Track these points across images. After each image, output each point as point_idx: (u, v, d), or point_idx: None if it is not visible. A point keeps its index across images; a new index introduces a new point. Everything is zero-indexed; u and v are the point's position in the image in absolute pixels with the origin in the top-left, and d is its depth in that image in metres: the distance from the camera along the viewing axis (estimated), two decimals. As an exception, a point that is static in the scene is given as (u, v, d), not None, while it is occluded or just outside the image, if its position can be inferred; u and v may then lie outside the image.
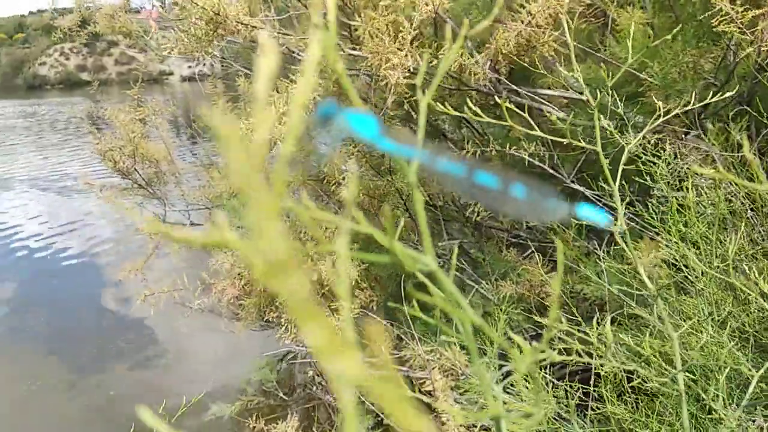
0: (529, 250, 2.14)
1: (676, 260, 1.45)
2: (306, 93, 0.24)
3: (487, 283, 2.12)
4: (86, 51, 52.16)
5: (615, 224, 0.98)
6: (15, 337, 4.81)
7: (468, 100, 1.03)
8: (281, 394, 3.05)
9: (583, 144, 0.98)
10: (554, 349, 0.89)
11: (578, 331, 0.99)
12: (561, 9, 1.87)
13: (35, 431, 3.59)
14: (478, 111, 0.96)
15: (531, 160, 2.02)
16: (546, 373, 1.49)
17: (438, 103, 1.03)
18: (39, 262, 6.41)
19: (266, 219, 0.16)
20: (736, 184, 1.51)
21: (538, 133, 0.98)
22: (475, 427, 1.37)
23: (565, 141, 0.94)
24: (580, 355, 0.91)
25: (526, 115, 1.04)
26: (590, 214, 0.46)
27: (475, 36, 2.17)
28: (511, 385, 1.55)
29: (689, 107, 0.93)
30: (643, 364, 1.06)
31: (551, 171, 2.02)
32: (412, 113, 2.28)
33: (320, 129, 0.41)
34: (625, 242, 0.99)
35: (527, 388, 1.42)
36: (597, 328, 1.08)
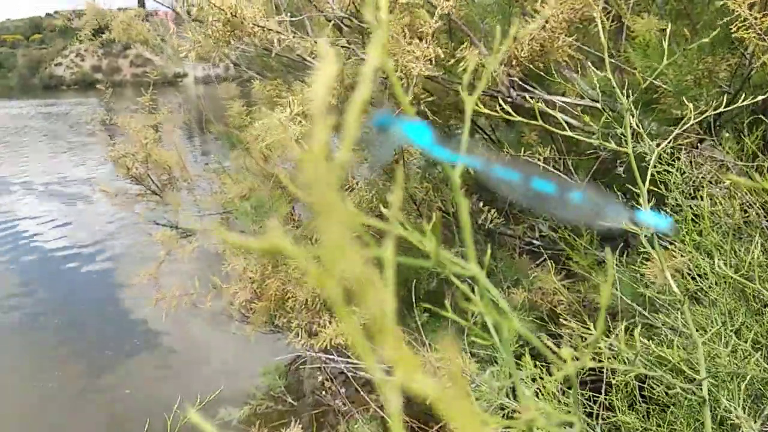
0: (542, 258, 2.13)
1: (690, 270, 1.44)
2: (363, 101, 0.24)
3: (499, 291, 2.11)
4: (102, 52, 52.56)
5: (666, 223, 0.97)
6: (32, 337, 4.85)
7: (482, 104, 1.02)
8: (290, 400, 3.05)
9: (613, 146, 0.97)
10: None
11: (599, 342, 0.99)
12: (576, 14, 1.86)
13: (52, 429, 3.62)
14: (510, 110, 0.95)
15: (545, 165, 2.01)
16: (562, 385, 1.48)
17: (483, 107, 1.03)
18: (55, 265, 6.46)
19: (344, 241, 0.17)
20: (752, 193, 1.49)
21: (555, 131, 0.97)
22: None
23: (589, 141, 0.93)
24: (600, 361, 0.90)
25: (539, 119, 1.04)
26: (650, 219, 0.45)
27: (489, 40, 2.17)
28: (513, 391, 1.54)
29: (705, 115, 0.92)
30: (664, 371, 1.04)
31: (564, 177, 2.01)
32: (428, 114, 2.28)
33: (377, 137, 0.41)
34: (652, 246, 0.98)
35: (538, 398, 1.41)
36: (615, 335, 1.08)
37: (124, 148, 3.31)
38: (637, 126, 1.65)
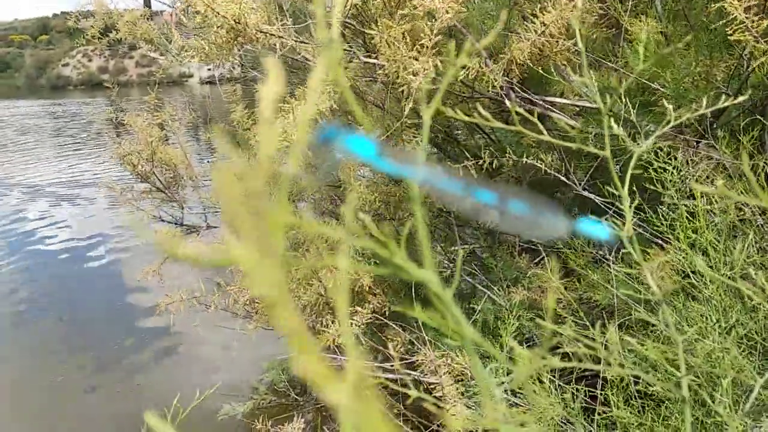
0: (541, 256, 2.16)
1: (684, 267, 1.47)
2: (309, 114, 0.26)
3: (499, 289, 2.14)
4: (108, 53, 52.73)
5: (620, 233, 1.00)
6: (39, 332, 4.91)
7: (480, 107, 1.05)
8: (293, 395, 3.08)
9: (593, 150, 1.00)
10: (559, 354, 0.92)
11: (585, 336, 1.02)
12: (574, 19, 1.89)
13: (60, 423, 3.67)
14: (488, 116, 0.98)
15: (544, 167, 2.04)
16: (553, 376, 1.51)
17: (449, 109, 1.05)
18: (62, 263, 6.51)
19: (261, 261, 0.18)
20: (744, 193, 1.52)
21: (549, 138, 1.00)
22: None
23: (575, 147, 0.96)
24: (581, 360, 0.93)
25: (537, 122, 1.07)
26: (591, 229, 0.46)
27: (488, 45, 2.19)
28: (520, 389, 1.57)
29: (700, 111, 0.94)
30: (648, 368, 1.07)
31: (563, 178, 2.04)
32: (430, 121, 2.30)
33: (321, 150, 0.43)
34: (633, 247, 1.01)
35: (535, 392, 1.44)
36: (602, 333, 1.11)
37: (130, 146, 3.34)
38: (634, 126, 1.68)
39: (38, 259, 6.70)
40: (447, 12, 1.86)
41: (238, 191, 0.19)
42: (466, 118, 1.06)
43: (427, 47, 1.81)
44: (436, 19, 1.84)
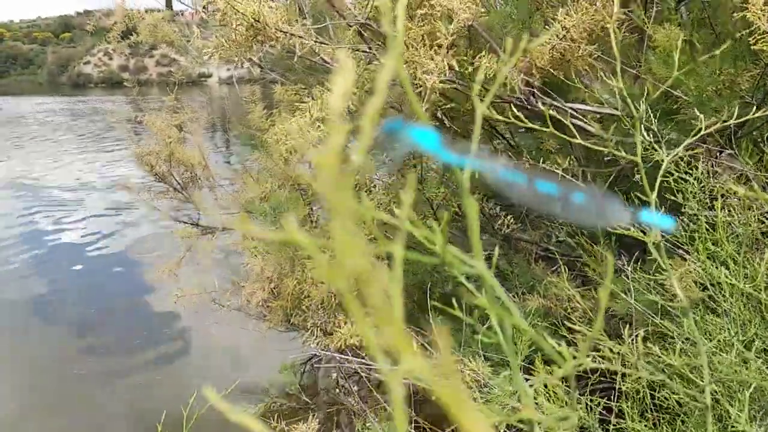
0: (558, 264, 2.13)
1: (704, 279, 1.44)
2: (377, 108, 0.26)
3: (514, 296, 2.12)
4: (129, 52, 53.18)
5: (647, 239, 0.98)
6: (64, 327, 4.97)
7: (500, 111, 1.03)
8: (304, 397, 3.07)
9: (623, 155, 0.98)
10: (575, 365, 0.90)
11: (605, 346, 1.00)
12: (597, 24, 1.87)
13: (78, 414, 3.71)
14: (521, 116, 0.97)
15: (562, 173, 2.02)
16: (568, 387, 1.49)
17: (489, 110, 1.04)
18: (83, 260, 6.55)
19: (351, 237, 0.18)
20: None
21: (579, 141, 0.98)
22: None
23: (603, 150, 0.94)
24: (610, 362, 0.91)
25: (556, 128, 1.05)
26: (654, 219, 0.45)
27: (510, 49, 2.17)
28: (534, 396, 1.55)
29: (726, 123, 0.92)
30: (670, 376, 1.05)
31: (570, 179, 2.01)
32: (445, 121, 2.29)
33: (387, 143, 0.43)
34: (660, 252, 0.99)
35: (549, 400, 1.42)
36: (619, 343, 1.09)
37: (149, 146, 3.36)
38: (656, 135, 1.65)
39: (59, 256, 6.76)
40: (464, 11, 1.85)
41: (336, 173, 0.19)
42: (501, 118, 1.05)
43: (443, 47, 1.79)
44: (452, 20, 1.82)
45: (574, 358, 0.73)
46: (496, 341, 0.59)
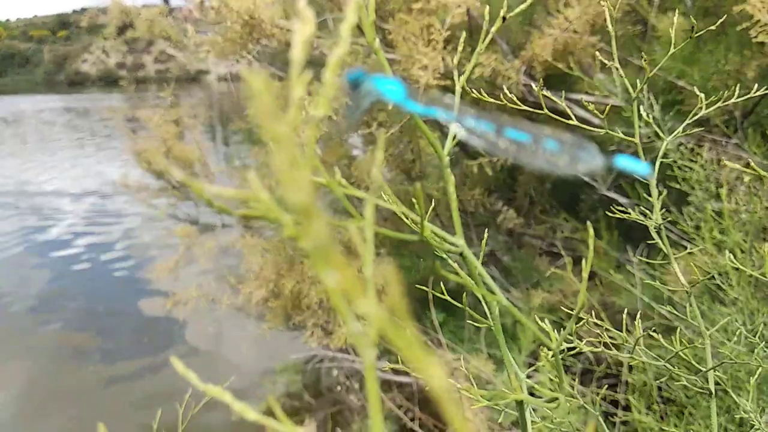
0: (562, 259, 2.11)
1: (710, 269, 1.42)
2: (340, 57, 0.26)
3: (519, 292, 2.09)
4: (126, 49, 53.08)
5: (649, 223, 0.97)
6: (67, 327, 4.96)
7: (506, 90, 1.00)
8: (306, 397, 3.05)
9: (621, 136, 0.95)
10: (580, 358, 0.88)
11: (606, 330, 0.97)
12: (600, 15, 1.84)
13: (78, 414, 3.70)
14: (515, 99, 0.94)
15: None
16: (573, 379, 1.47)
17: (474, 92, 1.01)
18: (82, 262, 6.53)
19: (293, 166, 0.17)
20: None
21: (576, 123, 0.95)
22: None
23: (603, 131, 0.91)
24: (608, 348, 0.89)
25: (573, 118, 1.02)
26: (629, 165, 0.43)
27: (511, 40, 2.15)
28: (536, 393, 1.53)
29: (716, 106, 0.90)
30: (673, 363, 1.03)
31: (587, 179, 1.99)
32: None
33: (350, 92, 0.42)
34: (661, 237, 0.96)
35: (551, 389, 1.40)
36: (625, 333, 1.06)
37: (146, 143, 3.33)
38: (659, 125, 1.63)
39: (60, 257, 6.73)
40: (459, 6, 1.82)
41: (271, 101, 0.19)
42: (491, 100, 1.02)
43: (438, 42, 1.76)
44: (448, 15, 1.79)
45: (569, 340, 0.71)
46: (487, 325, 0.57)
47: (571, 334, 0.73)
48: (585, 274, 0.46)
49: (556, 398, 0.53)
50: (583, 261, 0.46)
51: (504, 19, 0.50)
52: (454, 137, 0.46)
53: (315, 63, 2.63)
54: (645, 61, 0.79)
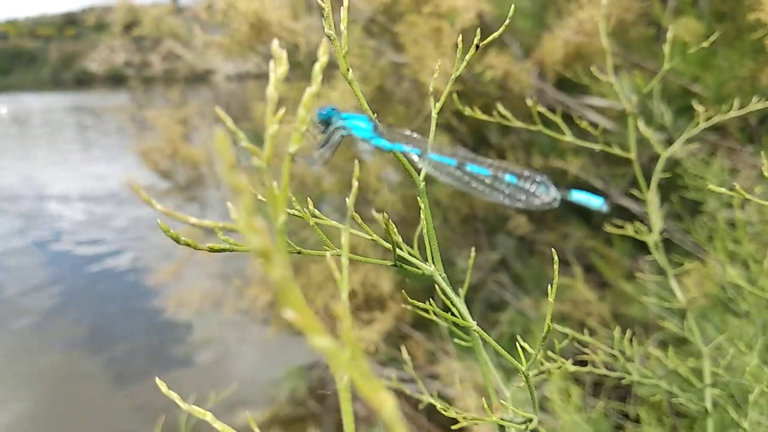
0: (574, 268, 2.07)
1: (722, 280, 1.39)
2: (310, 97, 0.28)
3: (530, 300, 2.06)
4: (134, 48, 53.09)
5: (647, 238, 0.96)
6: (74, 333, 4.96)
7: (513, 108, 0.98)
8: (311, 403, 3.02)
9: (618, 152, 0.93)
10: (589, 369, 0.86)
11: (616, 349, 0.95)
12: (612, 17, 1.81)
13: (83, 415, 3.71)
14: (508, 115, 0.92)
15: (576, 173, 1.96)
16: (582, 391, 1.45)
17: (475, 110, 0.99)
18: (89, 265, 6.51)
19: (249, 214, 0.19)
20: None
21: (569, 138, 0.92)
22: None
23: (598, 148, 0.89)
24: (601, 367, 0.87)
25: (558, 120, 0.99)
26: (584, 199, 0.46)
27: (523, 42, 2.12)
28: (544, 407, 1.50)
29: (742, 112, 0.87)
30: (674, 380, 1.00)
31: (592, 184, 1.96)
32: (453, 120, 2.23)
33: (320, 129, 0.45)
34: (659, 252, 0.94)
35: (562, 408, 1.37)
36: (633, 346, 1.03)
37: (153, 143, 3.31)
38: (669, 132, 1.59)
39: (66, 259, 6.72)
40: (468, 12, 1.79)
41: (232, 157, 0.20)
42: (484, 117, 0.99)
43: (447, 46, 1.74)
44: (457, 18, 1.77)
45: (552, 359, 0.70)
46: (468, 344, 0.58)
47: (553, 351, 0.70)
48: (551, 299, 0.49)
49: (530, 419, 0.53)
50: (549, 286, 0.48)
51: (477, 47, 0.52)
52: (422, 168, 0.48)
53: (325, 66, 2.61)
54: (651, 68, 0.76)
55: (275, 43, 0.26)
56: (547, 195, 0.43)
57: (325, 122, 0.45)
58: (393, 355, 2.08)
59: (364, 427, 2.26)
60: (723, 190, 0.65)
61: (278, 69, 0.26)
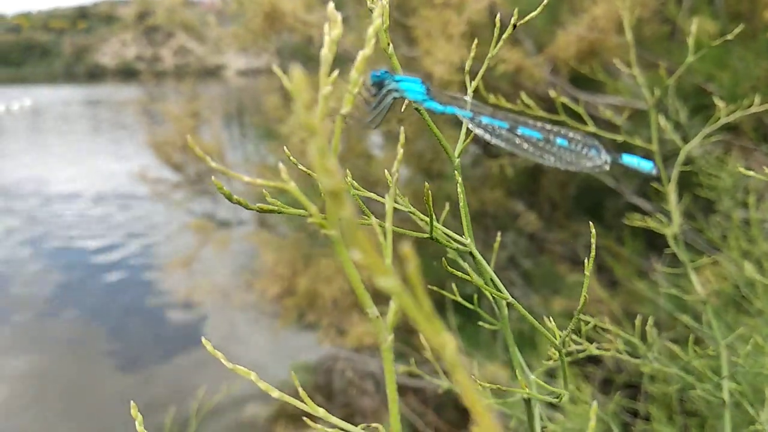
0: (583, 265, 2.06)
1: (736, 279, 1.38)
2: (363, 59, 0.28)
3: (539, 298, 2.05)
4: (145, 42, 53.36)
5: (666, 231, 0.95)
6: (76, 324, 4.97)
7: (524, 94, 0.97)
8: (318, 398, 3.02)
9: (639, 143, 0.92)
10: (600, 366, 0.86)
11: (621, 337, 0.94)
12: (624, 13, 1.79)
13: (91, 407, 3.72)
14: (532, 104, 0.92)
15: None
16: (594, 388, 1.44)
17: (491, 96, 0.98)
18: (93, 264, 6.53)
19: (323, 155, 0.19)
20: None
21: (592, 129, 0.92)
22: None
23: (620, 138, 0.89)
24: (622, 371, 0.87)
25: (581, 110, 0.99)
26: (634, 162, 0.46)
27: (536, 37, 2.11)
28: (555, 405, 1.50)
29: (752, 110, 0.86)
30: (689, 371, 1.00)
31: (608, 184, 1.95)
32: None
33: (372, 91, 0.45)
34: (678, 246, 0.94)
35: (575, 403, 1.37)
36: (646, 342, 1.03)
37: (165, 136, 3.32)
38: (685, 130, 1.58)
39: (75, 254, 6.75)
40: (478, 2, 1.78)
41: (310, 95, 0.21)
42: (509, 105, 0.99)
43: (455, 34, 1.73)
44: (468, 10, 1.76)
45: (578, 343, 0.70)
46: (498, 326, 0.58)
47: (578, 333, 0.70)
48: (587, 272, 0.48)
49: (560, 394, 0.54)
50: (586, 260, 0.48)
51: (515, 26, 0.51)
52: (466, 138, 0.49)
53: (338, 60, 2.61)
54: (665, 66, 0.75)
55: (331, 5, 0.28)
56: (598, 158, 0.44)
57: (378, 84, 0.46)
58: (401, 349, 2.08)
59: (372, 419, 2.26)
60: (755, 174, 0.65)
61: (333, 31, 0.27)
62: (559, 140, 0.45)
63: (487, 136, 0.46)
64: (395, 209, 0.47)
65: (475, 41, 0.53)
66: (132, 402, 0.39)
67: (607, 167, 0.44)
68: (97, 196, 9.21)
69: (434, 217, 0.46)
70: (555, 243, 2.26)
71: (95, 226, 7.57)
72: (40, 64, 59.61)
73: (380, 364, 2.46)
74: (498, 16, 0.53)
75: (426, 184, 0.45)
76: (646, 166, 0.46)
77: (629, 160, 0.45)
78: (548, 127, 0.45)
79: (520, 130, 0.45)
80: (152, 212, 7.76)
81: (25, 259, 6.45)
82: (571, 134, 0.45)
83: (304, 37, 1.75)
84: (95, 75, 52.45)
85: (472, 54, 0.51)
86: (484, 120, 0.46)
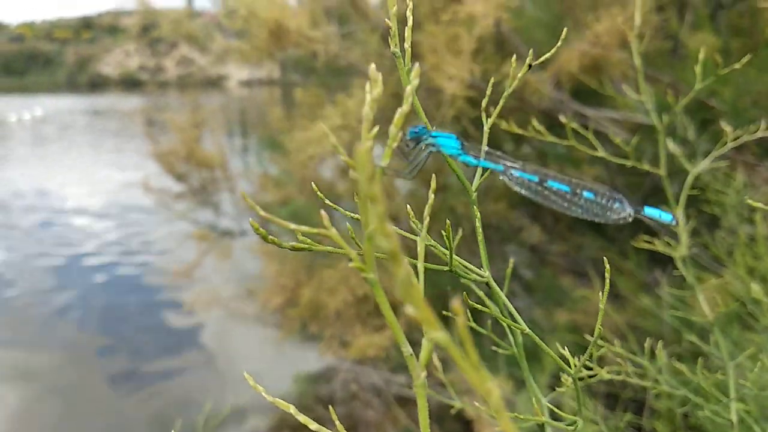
0: (586, 278, 2.07)
1: (741, 296, 1.38)
2: (401, 116, 0.30)
3: (541, 310, 2.05)
4: (148, 52, 53.53)
5: (674, 254, 0.96)
6: (77, 333, 4.98)
7: (530, 119, 0.98)
8: (315, 410, 3.01)
9: (647, 167, 0.93)
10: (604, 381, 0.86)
11: (633, 362, 0.94)
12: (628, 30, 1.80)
13: (91, 417, 3.72)
14: (542, 130, 0.93)
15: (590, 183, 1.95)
16: (595, 403, 1.44)
17: (502, 121, 0.99)
18: (99, 274, 6.52)
19: (382, 221, 0.21)
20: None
21: (602, 154, 0.93)
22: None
23: (630, 164, 0.90)
24: (629, 376, 0.87)
25: (590, 136, 1.00)
26: (656, 214, 0.49)
27: (540, 53, 2.11)
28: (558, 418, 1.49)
29: (759, 134, 0.87)
30: (697, 391, 1.00)
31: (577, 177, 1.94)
32: (469, 128, 2.24)
33: (409, 145, 0.48)
34: (686, 268, 0.94)
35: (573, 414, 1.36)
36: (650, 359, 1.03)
37: (168, 146, 3.33)
38: (690, 145, 1.59)
39: (77, 262, 6.75)
40: (487, 18, 1.79)
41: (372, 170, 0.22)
42: (519, 131, 1.00)
43: (466, 51, 1.74)
44: (475, 26, 1.77)
45: (588, 368, 0.72)
46: (511, 351, 0.59)
47: (590, 360, 0.71)
48: (602, 305, 0.49)
49: (575, 422, 0.56)
50: (600, 292, 0.49)
51: (530, 66, 0.54)
52: (482, 175, 0.50)
53: (340, 73, 2.62)
54: (668, 82, 0.76)
55: (372, 66, 0.29)
56: (622, 210, 0.47)
57: (416, 140, 0.48)
58: (403, 363, 2.08)
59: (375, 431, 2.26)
60: (760, 205, 0.66)
61: (374, 90, 0.29)
62: (586, 193, 0.47)
63: (517, 188, 0.49)
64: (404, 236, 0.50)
65: (491, 81, 0.55)
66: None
67: (630, 219, 0.47)
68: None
69: (452, 249, 0.48)
70: (557, 255, 2.26)
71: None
72: (43, 73, 59.78)
73: (383, 376, 2.46)
74: (514, 55, 0.54)
75: (447, 221, 0.46)
76: (666, 217, 0.50)
77: (651, 212, 0.49)
78: (575, 180, 0.48)
79: (549, 183, 0.48)
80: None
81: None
82: (596, 187, 0.48)
83: (308, 51, 1.76)
84: (97, 85, 52.60)
85: (488, 92, 0.52)
86: (515, 173, 0.49)
